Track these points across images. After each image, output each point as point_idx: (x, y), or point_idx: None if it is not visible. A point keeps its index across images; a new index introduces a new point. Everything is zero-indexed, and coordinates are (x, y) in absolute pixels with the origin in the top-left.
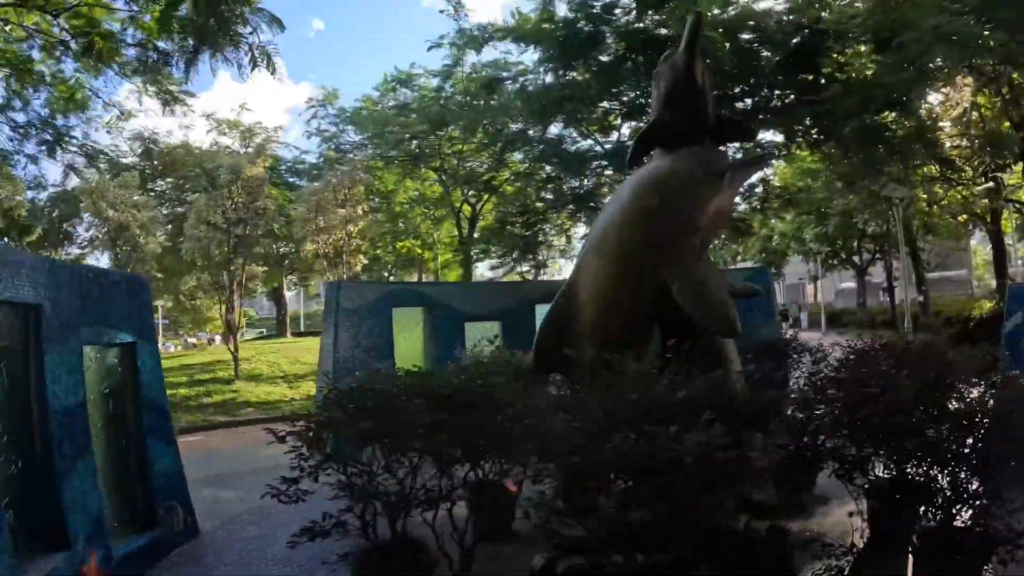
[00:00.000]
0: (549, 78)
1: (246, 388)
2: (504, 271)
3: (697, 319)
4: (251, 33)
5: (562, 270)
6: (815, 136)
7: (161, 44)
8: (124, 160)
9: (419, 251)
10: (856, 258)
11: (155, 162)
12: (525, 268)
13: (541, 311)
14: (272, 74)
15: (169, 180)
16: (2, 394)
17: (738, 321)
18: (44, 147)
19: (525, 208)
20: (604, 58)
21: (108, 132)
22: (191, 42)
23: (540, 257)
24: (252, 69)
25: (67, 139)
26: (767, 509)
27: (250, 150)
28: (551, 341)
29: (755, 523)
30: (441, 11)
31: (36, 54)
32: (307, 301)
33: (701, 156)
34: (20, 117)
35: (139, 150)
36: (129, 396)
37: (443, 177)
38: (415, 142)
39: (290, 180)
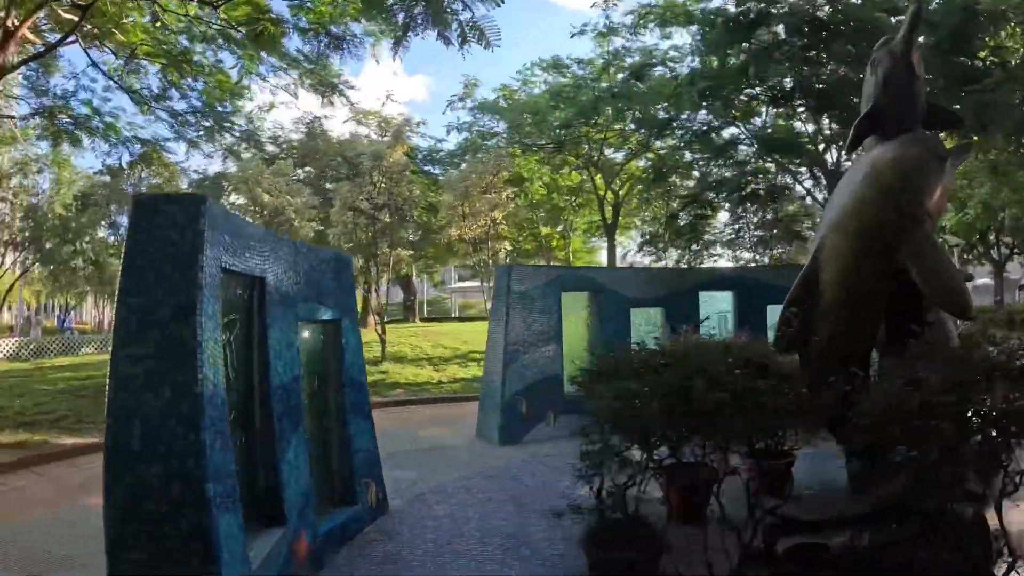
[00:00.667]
0: (698, 62)
1: (394, 370)
2: (672, 258)
3: (935, 300)
4: (464, 10)
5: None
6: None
7: (334, 29)
8: (268, 148)
9: (558, 238)
10: (994, 252)
11: (294, 151)
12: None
13: (704, 297)
14: (486, 48)
15: (308, 169)
16: (231, 369)
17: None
18: (202, 133)
19: (694, 198)
20: (761, 41)
21: (250, 123)
22: (401, 21)
23: (702, 247)
24: (462, 45)
25: (229, 123)
26: (977, 497)
27: (387, 138)
28: (792, 320)
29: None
30: (593, 5)
31: (192, 44)
32: (429, 288)
33: (922, 141)
34: (177, 105)
35: (283, 138)
36: (332, 373)
37: (588, 164)
38: (563, 130)
39: (425, 169)
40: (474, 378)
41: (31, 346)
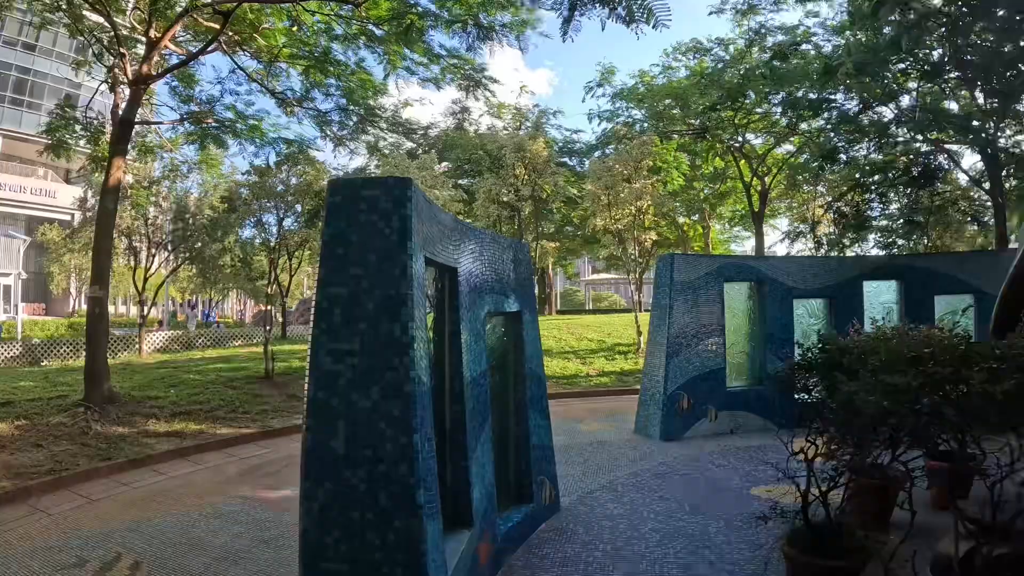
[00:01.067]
0: (847, 37)
1: None
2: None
3: None
4: None
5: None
6: None
7: (483, 18)
8: (407, 144)
9: (698, 227)
10: None
11: (432, 145)
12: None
13: (868, 287)
14: (655, 28)
15: (445, 164)
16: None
17: None
18: (346, 132)
19: (856, 183)
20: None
21: (395, 115)
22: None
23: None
24: (628, 24)
25: (375, 118)
26: None
27: (523, 131)
28: (1009, 311)
29: None
30: None
31: (333, 44)
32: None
33: None
34: (321, 105)
35: (421, 133)
36: (512, 366)
37: (731, 150)
38: (708, 114)
39: (560, 160)
40: (621, 371)
41: (181, 339)
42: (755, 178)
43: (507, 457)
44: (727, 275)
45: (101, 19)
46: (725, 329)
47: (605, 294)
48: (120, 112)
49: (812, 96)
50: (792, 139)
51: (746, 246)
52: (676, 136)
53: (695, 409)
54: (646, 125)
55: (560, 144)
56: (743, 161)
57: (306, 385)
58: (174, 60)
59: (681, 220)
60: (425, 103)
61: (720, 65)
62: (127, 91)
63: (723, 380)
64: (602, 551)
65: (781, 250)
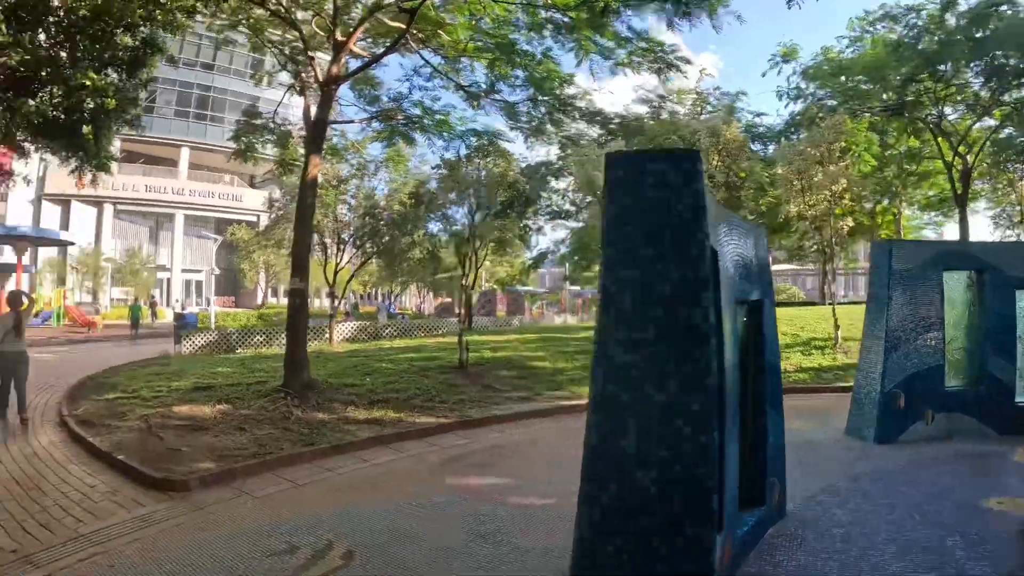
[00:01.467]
0: None
1: None
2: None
3: None
4: None
5: None
6: None
7: None
8: (592, 132)
9: (894, 211)
10: None
11: (617, 133)
12: None
13: None
14: None
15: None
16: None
17: None
18: (535, 123)
19: None
20: None
21: (574, 110)
22: None
23: None
24: None
25: (565, 108)
26: None
27: (704, 117)
28: None
29: None
30: None
31: (518, 35)
32: None
33: None
34: (509, 96)
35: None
36: (751, 358)
37: (929, 127)
38: (907, 86)
39: None
40: (819, 367)
41: (368, 329)
42: (956, 157)
43: (742, 456)
44: (947, 263)
45: (278, 34)
46: (944, 323)
47: (783, 286)
48: (312, 115)
49: (1018, 64)
50: (994, 112)
51: (941, 232)
52: (867, 114)
53: (911, 410)
54: (834, 103)
55: (742, 128)
56: (941, 138)
57: (591, 380)
58: (352, 63)
59: (868, 205)
60: (603, 91)
61: (914, 32)
62: (316, 94)
63: (941, 379)
64: (837, 561)
65: (991, 236)
